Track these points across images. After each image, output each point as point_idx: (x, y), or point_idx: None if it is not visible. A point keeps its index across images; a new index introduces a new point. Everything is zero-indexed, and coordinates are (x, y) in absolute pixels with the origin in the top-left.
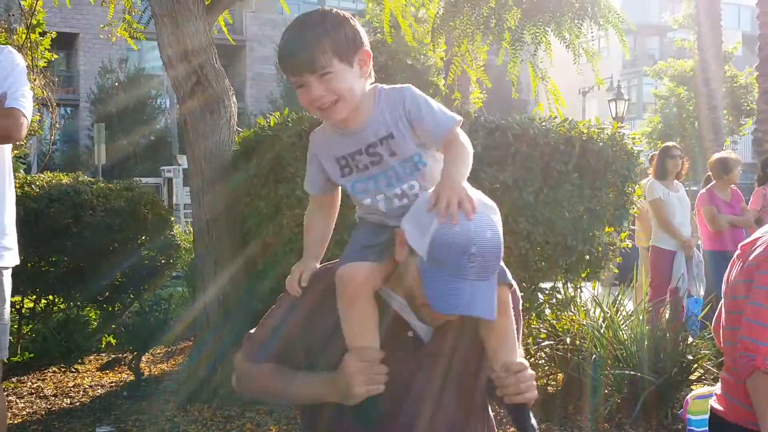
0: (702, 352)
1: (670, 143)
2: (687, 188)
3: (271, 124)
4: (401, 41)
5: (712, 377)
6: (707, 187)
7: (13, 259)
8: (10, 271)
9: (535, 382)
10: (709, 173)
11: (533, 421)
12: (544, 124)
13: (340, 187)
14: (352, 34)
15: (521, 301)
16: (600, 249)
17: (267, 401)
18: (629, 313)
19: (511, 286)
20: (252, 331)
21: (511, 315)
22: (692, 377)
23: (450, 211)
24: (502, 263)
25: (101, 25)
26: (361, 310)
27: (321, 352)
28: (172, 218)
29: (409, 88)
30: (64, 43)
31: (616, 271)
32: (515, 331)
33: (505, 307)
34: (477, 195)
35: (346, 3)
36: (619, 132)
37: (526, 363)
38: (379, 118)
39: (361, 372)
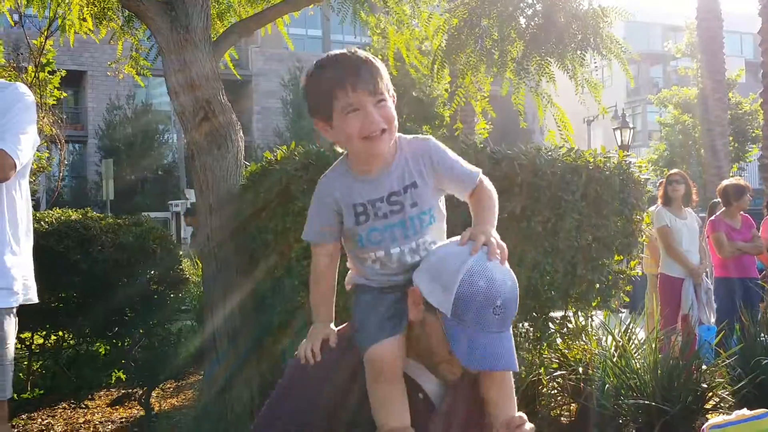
0: (717, 380)
1: (675, 170)
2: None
3: (278, 158)
4: (407, 73)
5: (727, 406)
6: (717, 213)
7: (8, 299)
8: (13, 311)
9: None
10: (715, 200)
11: None
12: (550, 153)
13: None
14: (388, 75)
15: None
16: (610, 277)
17: None
18: (641, 341)
19: None
20: (259, 420)
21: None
22: (707, 406)
23: (491, 250)
24: None
25: (109, 63)
26: (393, 388)
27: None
28: (180, 252)
29: (432, 138)
30: (73, 80)
31: (627, 299)
32: (512, 384)
33: None
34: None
35: (350, 37)
36: (625, 160)
37: (525, 417)
38: (404, 166)
39: None
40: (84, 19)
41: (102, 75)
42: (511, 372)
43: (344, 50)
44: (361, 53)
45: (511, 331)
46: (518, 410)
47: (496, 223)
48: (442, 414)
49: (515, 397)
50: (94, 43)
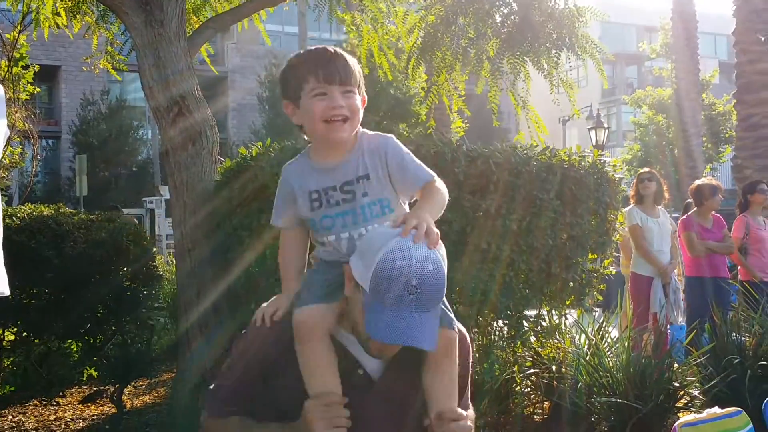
0: (688, 379)
1: (647, 169)
2: (669, 215)
3: (254, 155)
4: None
5: (699, 404)
6: (688, 213)
7: None
8: None
9: None
10: (689, 200)
11: None
12: (525, 152)
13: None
14: (360, 74)
15: (505, 331)
16: (584, 276)
17: None
18: (614, 340)
19: (458, 331)
20: (211, 386)
21: (455, 359)
22: (679, 404)
23: (419, 232)
24: (448, 310)
25: (84, 58)
26: (319, 353)
27: (286, 401)
28: (154, 249)
29: (393, 137)
30: (46, 75)
31: (600, 298)
32: (456, 377)
33: (448, 349)
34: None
35: (326, 34)
36: (600, 160)
37: (464, 413)
38: (360, 159)
39: (322, 416)
40: (58, 14)
41: (76, 70)
42: (454, 367)
43: (321, 47)
44: (340, 51)
45: (436, 316)
46: (493, 408)
47: (436, 215)
48: (379, 391)
49: (455, 391)
50: (68, 37)
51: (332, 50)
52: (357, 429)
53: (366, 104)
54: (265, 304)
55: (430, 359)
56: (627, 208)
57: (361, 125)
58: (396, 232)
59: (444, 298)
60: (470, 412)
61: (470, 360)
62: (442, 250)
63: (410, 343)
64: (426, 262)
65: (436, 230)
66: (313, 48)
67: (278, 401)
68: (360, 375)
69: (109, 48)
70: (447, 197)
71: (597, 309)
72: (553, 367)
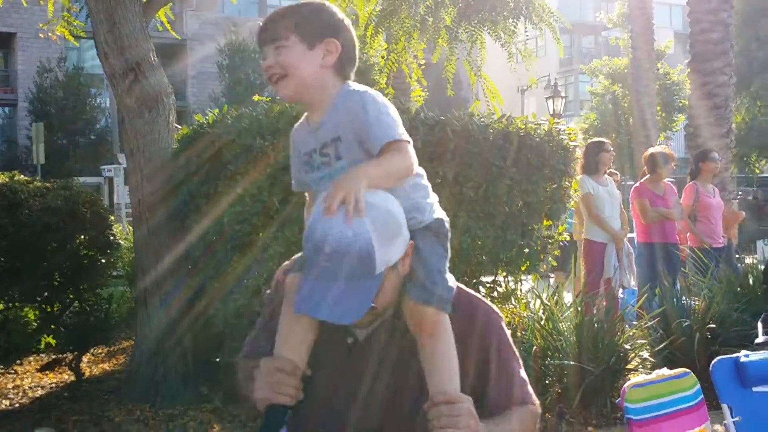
0: (638, 341)
1: (601, 139)
2: (623, 183)
3: (210, 121)
4: None
5: (649, 366)
6: (641, 180)
7: None
8: None
9: (471, 419)
10: (644, 168)
11: None
12: (482, 120)
13: None
14: (325, 21)
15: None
16: (539, 242)
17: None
18: (568, 305)
19: (446, 312)
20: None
21: (446, 340)
22: (629, 366)
23: (330, 204)
24: (433, 285)
25: (41, 24)
26: (293, 319)
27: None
28: (112, 217)
29: (368, 93)
30: (2, 42)
31: (555, 263)
32: (450, 358)
33: (435, 329)
34: (376, 197)
35: (287, 1)
36: (556, 128)
37: (459, 397)
38: (334, 118)
39: (266, 379)
40: None
41: (32, 37)
42: (447, 348)
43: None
44: (285, 6)
45: (362, 286)
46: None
47: (379, 181)
48: (369, 358)
49: (448, 372)
50: (22, 3)
51: (280, 6)
52: (347, 398)
53: (335, 51)
54: (287, 262)
55: (417, 338)
56: (578, 177)
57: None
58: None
59: (431, 267)
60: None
61: (490, 347)
62: (389, 212)
63: (321, 315)
64: (345, 230)
65: (360, 197)
66: None
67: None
68: (349, 343)
69: (65, 14)
70: (409, 165)
71: (552, 275)
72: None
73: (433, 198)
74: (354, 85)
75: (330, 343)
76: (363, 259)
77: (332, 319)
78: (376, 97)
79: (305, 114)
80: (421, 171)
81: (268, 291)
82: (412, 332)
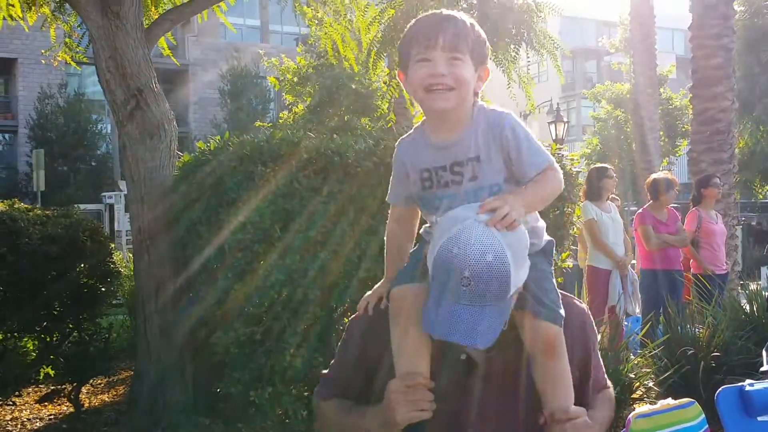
0: (643, 370)
1: (604, 165)
2: (626, 208)
3: (212, 148)
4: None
5: (653, 395)
6: (644, 207)
7: None
8: None
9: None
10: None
11: None
12: None
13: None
14: (486, 49)
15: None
16: None
17: None
18: None
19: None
20: (324, 371)
21: (563, 358)
22: (634, 396)
23: (496, 215)
24: (549, 301)
25: (43, 51)
26: (408, 333)
27: (378, 381)
28: (113, 245)
29: (511, 115)
30: (2, 68)
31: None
32: (568, 373)
33: (545, 346)
34: (536, 223)
35: (288, 27)
36: (558, 153)
37: (578, 412)
38: (472, 137)
39: (403, 398)
40: (12, 4)
41: (33, 63)
42: (563, 367)
43: (442, 10)
44: (455, 14)
45: (493, 311)
46: None
47: (535, 204)
48: (482, 375)
49: (564, 389)
50: (24, 29)
51: (445, 14)
52: (461, 415)
53: (486, 78)
54: (369, 293)
55: (532, 356)
56: (581, 203)
57: (327, 118)
58: (470, 215)
59: (548, 287)
60: (596, 412)
61: (590, 345)
62: (522, 238)
63: (455, 339)
64: (484, 252)
65: (519, 218)
66: (430, 12)
67: (374, 388)
68: (463, 360)
69: (67, 40)
70: (560, 187)
71: None
72: None
73: (542, 222)
74: (484, 103)
75: (442, 358)
76: (502, 284)
77: (480, 345)
78: (516, 117)
79: (415, 127)
80: None
81: (348, 319)
82: (529, 349)
